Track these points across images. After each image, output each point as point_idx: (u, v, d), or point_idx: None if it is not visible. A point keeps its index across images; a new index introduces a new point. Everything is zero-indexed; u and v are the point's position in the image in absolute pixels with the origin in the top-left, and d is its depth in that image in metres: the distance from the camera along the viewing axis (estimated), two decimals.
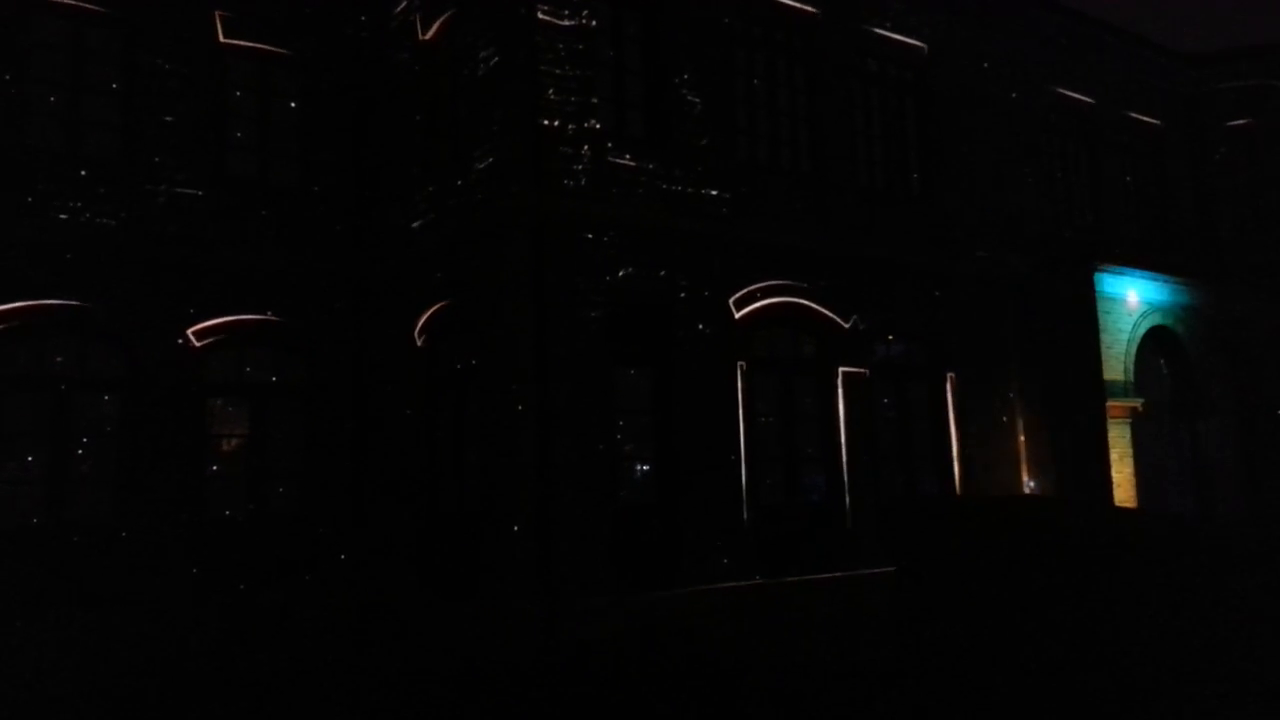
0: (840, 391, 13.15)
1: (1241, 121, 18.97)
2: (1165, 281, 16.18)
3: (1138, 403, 15.14)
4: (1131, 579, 12.77)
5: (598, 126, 11.39)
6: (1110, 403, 14.72)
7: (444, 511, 12.39)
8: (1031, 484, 14.80)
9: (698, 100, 12.34)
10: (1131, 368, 15.30)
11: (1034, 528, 13.71)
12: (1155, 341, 16.39)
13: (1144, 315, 15.73)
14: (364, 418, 13.44)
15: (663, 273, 11.71)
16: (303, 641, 11.87)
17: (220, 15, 12.92)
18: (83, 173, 11.82)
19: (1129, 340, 15.43)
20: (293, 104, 13.62)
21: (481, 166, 11.70)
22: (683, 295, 11.85)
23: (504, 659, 10.19)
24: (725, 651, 10.63)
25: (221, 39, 12.97)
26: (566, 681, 9.29)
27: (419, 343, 12.85)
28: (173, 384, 12.08)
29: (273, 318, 12.88)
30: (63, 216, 11.61)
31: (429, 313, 12.61)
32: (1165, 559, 13.35)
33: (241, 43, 13.15)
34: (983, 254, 15.07)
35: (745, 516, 11.94)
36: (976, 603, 12.35)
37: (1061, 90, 16.77)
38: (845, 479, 12.95)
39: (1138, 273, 15.88)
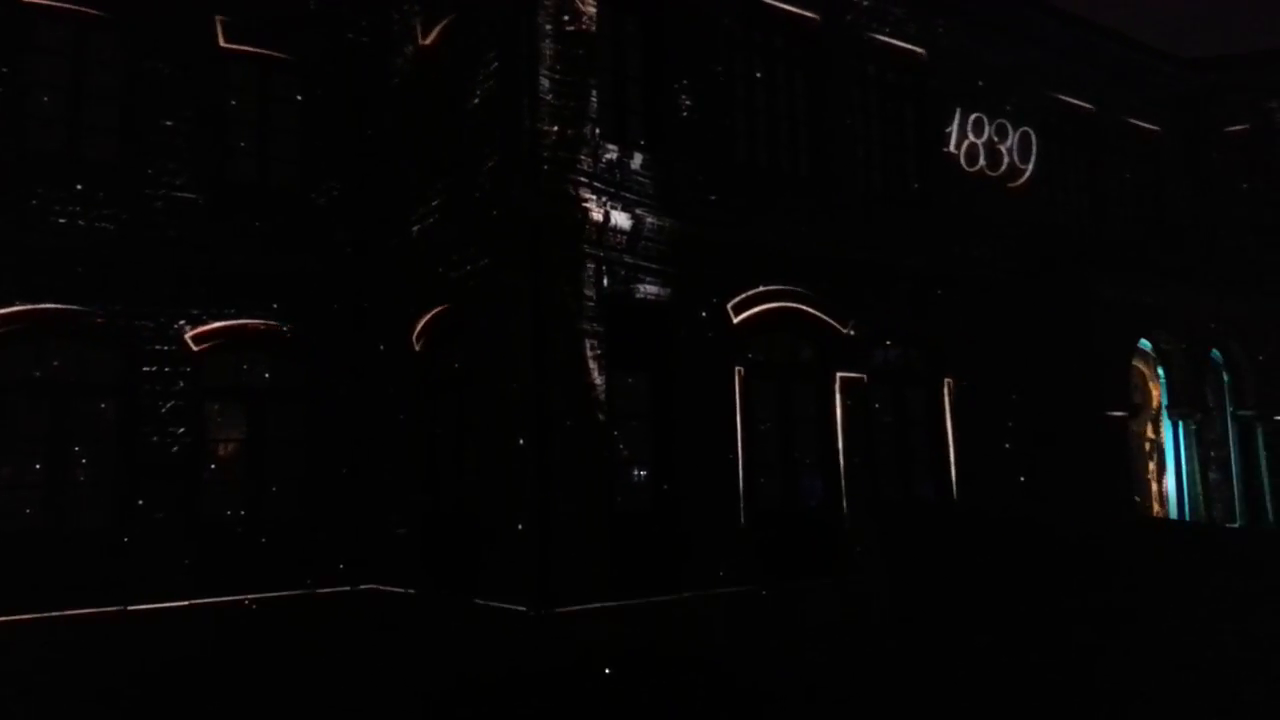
0: (838, 396, 13.17)
1: (1239, 126, 19.04)
2: (1163, 285, 16.22)
3: (1133, 407, 15.18)
4: (1125, 580, 12.79)
5: (597, 131, 11.40)
6: (1106, 408, 14.76)
7: (443, 515, 12.41)
8: (1025, 482, 14.79)
9: (697, 105, 12.36)
10: (1128, 372, 15.33)
11: (1026, 532, 13.76)
12: (1152, 346, 16.44)
13: (1141, 319, 15.77)
14: (363, 421, 13.45)
15: (661, 277, 11.72)
16: (301, 645, 11.87)
17: (220, 20, 12.93)
18: (82, 177, 11.82)
19: (1126, 345, 15.48)
20: (292, 108, 13.63)
21: (480, 171, 11.72)
22: (681, 300, 11.86)
23: (502, 663, 10.21)
24: (723, 655, 10.65)
25: (222, 43, 12.97)
26: (565, 685, 9.31)
27: (418, 346, 12.87)
28: (172, 388, 12.09)
29: (272, 321, 12.89)
30: (62, 221, 11.61)
31: (428, 316, 12.63)
32: (1162, 562, 13.39)
33: (241, 47, 13.15)
34: (980, 258, 15.10)
35: (743, 521, 11.95)
36: (970, 605, 12.39)
37: (1059, 95, 16.80)
38: (843, 484, 12.96)
39: (1135, 276, 15.92)
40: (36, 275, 11.40)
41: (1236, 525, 16.82)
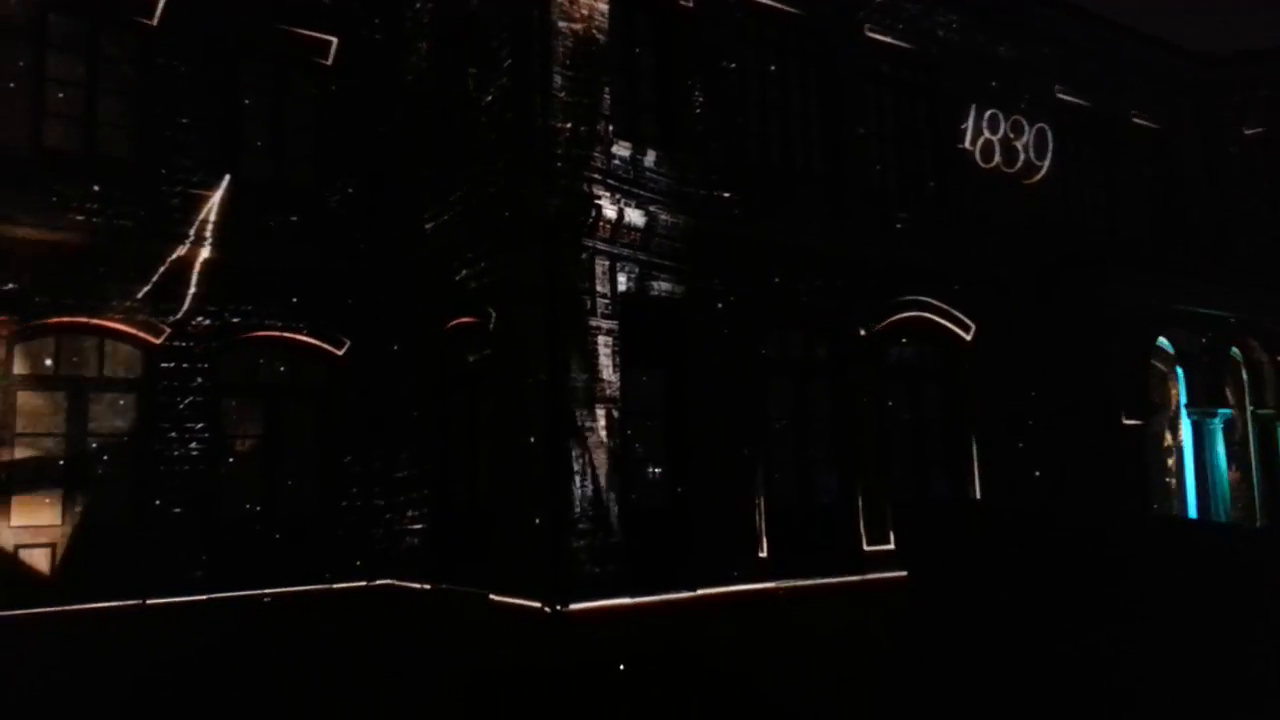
0: (853, 394, 13.13)
1: (1256, 124, 18.86)
2: (1180, 283, 16.08)
3: (1151, 405, 15.05)
4: (1144, 585, 12.66)
5: (610, 129, 11.41)
6: (1124, 406, 14.65)
7: (458, 511, 12.45)
8: (1041, 480, 14.67)
9: (710, 102, 12.35)
10: (1146, 370, 15.21)
11: (1046, 532, 13.63)
12: (1170, 344, 16.30)
13: (1159, 317, 15.64)
14: (378, 417, 13.50)
15: (675, 274, 11.72)
16: (317, 641, 11.92)
17: (237, 18, 13.00)
18: (100, 175, 11.91)
19: (1144, 343, 15.35)
20: (307, 106, 13.70)
21: (494, 168, 11.75)
22: (695, 297, 11.86)
23: (516, 658, 10.22)
24: (735, 655, 10.62)
25: (236, 41, 13.05)
26: (578, 682, 9.31)
27: (433, 342, 12.91)
28: (189, 384, 12.17)
29: (287, 318, 12.96)
30: (79, 218, 11.71)
31: (443, 313, 12.68)
32: (1178, 565, 13.23)
33: (256, 44, 13.23)
34: (996, 256, 15.01)
35: (758, 519, 11.93)
36: (989, 607, 12.28)
37: (1073, 92, 16.68)
38: (858, 482, 12.93)
39: (1153, 274, 15.79)
40: (56, 272, 11.49)
41: (1258, 525, 16.65)
